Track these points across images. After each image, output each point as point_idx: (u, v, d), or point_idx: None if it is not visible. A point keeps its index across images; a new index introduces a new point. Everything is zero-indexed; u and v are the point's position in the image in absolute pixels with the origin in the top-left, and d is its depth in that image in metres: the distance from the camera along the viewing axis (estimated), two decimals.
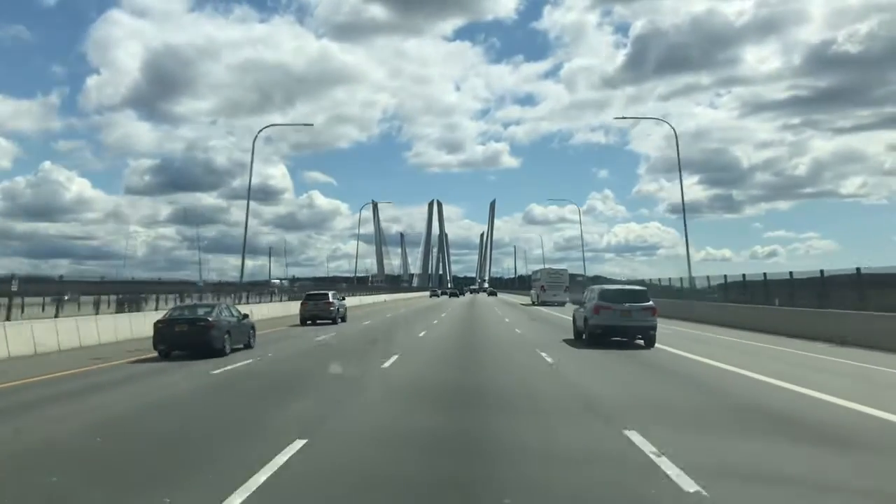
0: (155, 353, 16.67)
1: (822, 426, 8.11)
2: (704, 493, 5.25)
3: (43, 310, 22.50)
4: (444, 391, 10.93)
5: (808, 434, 7.63)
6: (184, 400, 10.66)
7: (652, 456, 6.33)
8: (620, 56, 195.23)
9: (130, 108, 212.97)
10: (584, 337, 19.02)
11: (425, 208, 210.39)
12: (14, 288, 19.34)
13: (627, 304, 17.77)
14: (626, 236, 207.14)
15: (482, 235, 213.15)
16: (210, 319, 16.90)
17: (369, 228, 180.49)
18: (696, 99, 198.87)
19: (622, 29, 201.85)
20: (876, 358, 15.38)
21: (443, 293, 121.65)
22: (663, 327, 19.42)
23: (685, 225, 60.68)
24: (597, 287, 20.04)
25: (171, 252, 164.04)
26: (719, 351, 17.07)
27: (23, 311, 19.76)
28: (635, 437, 7.07)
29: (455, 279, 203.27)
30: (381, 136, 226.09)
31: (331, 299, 31.08)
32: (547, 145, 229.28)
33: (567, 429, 7.87)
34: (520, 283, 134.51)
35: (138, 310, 25.08)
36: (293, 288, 52.59)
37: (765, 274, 27.48)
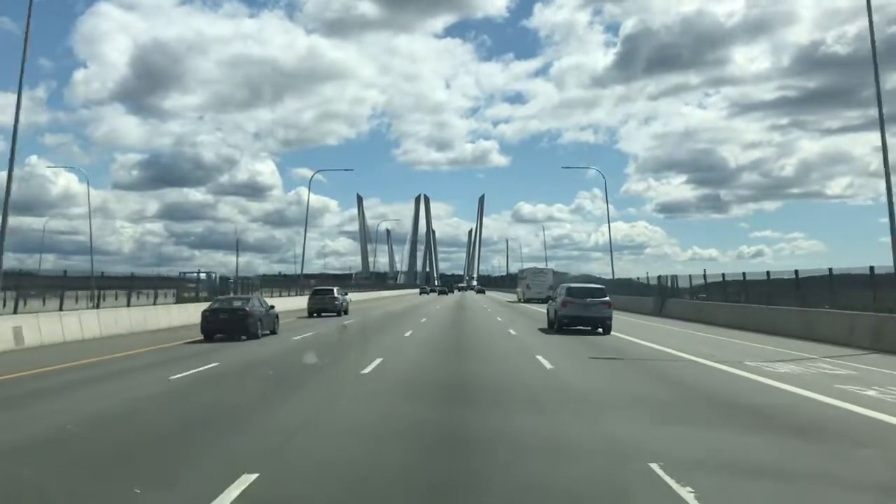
0: (201, 337, 20.40)
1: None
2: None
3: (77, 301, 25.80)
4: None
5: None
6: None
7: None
8: (610, 55, 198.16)
9: (118, 103, 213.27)
10: (554, 326, 22.95)
11: (413, 205, 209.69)
12: None
13: (588, 299, 21.75)
14: (613, 235, 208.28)
15: (470, 232, 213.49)
16: (247, 309, 20.66)
17: (371, 225, 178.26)
18: (685, 99, 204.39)
19: (612, 28, 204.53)
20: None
21: (431, 291, 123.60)
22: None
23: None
24: (564, 285, 24.12)
25: (157, 248, 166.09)
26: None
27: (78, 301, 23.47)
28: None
29: (443, 277, 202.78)
30: (370, 133, 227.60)
31: (336, 294, 34.91)
32: (536, 144, 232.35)
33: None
34: (509, 281, 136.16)
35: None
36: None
37: (744, 274, 28.00)
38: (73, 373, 13.08)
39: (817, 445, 7.03)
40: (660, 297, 35.55)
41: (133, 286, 26.68)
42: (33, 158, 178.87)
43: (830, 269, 21.78)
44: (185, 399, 10.04)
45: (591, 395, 10.01)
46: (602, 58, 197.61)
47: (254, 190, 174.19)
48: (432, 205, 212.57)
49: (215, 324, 20.39)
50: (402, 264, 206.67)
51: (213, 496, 4.97)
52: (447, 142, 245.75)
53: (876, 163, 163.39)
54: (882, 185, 19.16)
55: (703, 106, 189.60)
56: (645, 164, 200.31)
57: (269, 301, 24.32)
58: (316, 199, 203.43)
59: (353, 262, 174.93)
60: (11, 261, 41.72)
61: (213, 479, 5.39)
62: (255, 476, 5.45)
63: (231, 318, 20.40)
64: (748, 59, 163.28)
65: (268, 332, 21.82)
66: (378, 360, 13.76)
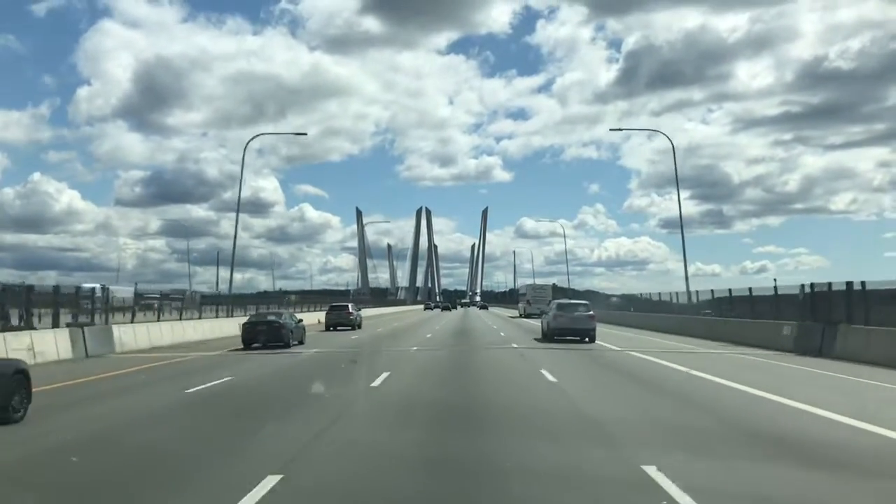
0: (241, 346, 23.68)
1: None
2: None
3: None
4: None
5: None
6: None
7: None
8: (613, 71, 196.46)
9: (121, 119, 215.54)
10: (547, 336, 26.25)
11: (414, 218, 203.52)
12: None
13: (575, 313, 25.10)
14: (616, 251, 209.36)
15: (473, 246, 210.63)
16: (281, 322, 23.99)
17: (374, 241, 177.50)
18: (688, 114, 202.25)
19: (615, 44, 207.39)
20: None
21: (436, 306, 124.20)
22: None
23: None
24: (555, 301, 27.56)
25: (160, 264, 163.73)
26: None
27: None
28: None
29: (445, 292, 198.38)
30: (373, 149, 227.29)
31: (350, 310, 38.28)
32: (539, 159, 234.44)
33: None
34: (511, 297, 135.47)
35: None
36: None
37: (750, 289, 27.18)
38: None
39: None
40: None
41: None
42: (36, 175, 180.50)
43: (811, 285, 21.59)
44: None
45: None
46: (605, 74, 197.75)
47: (256, 206, 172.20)
48: (435, 220, 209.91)
49: (253, 334, 23.67)
50: (403, 279, 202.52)
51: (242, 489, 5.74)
52: (450, 157, 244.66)
53: (879, 178, 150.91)
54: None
55: (706, 121, 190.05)
56: (648, 180, 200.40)
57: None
58: (318, 216, 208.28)
59: (355, 279, 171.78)
60: (14, 278, 44.24)
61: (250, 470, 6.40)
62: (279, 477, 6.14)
63: (267, 329, 23.69)
64: (751, 74, 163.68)
65: (296, 342, 25.05)
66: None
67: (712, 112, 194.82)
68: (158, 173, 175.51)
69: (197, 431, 9.03)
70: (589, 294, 74.76)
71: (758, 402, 11.23)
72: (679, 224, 39.35)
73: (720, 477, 6.41)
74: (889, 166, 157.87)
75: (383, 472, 6.65)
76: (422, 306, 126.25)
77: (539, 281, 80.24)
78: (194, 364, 18.40)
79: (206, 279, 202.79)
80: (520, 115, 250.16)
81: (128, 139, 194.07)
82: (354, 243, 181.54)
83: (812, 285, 21.60)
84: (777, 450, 7.66)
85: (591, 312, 25.16)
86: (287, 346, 23.58)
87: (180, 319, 29.24)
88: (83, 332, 20.16)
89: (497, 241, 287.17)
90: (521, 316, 68.96)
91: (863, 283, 19.04)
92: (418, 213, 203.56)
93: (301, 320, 26.44)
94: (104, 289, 23.95)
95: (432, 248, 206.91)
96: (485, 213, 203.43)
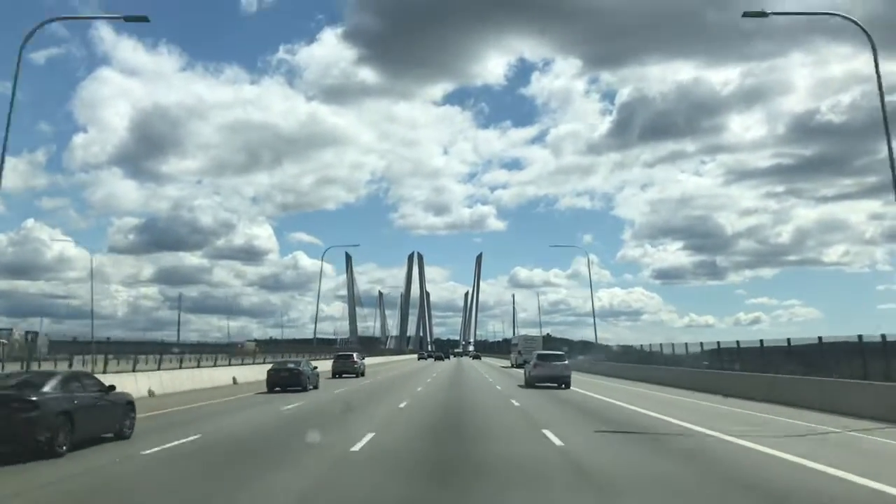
0: (265, 389, 27.59)
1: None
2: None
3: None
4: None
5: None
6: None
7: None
8: (607, 122, 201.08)
9: (116, 167, 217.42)
10: (528, 383, 30.30)
11: (406, 263, 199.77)
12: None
13: (552, 362, 29.27)
14: (610, 301, 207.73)
15: (467, 294, 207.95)
16: (300, 369, 28.01)
17: (367, 290, 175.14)
18: (681, 166, 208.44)
19: (609, 96, 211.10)
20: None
21: (429, 356, 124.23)
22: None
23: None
24: (535, 352, 31.82)
25: (151, 312, 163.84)
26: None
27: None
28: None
29: (438, 342, 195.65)
30: (368, 198, 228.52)
31: (355, 359, 42.28)
32: (533, 209, 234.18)
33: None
34: (505, 347, 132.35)
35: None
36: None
37: (738, 341, 28.18)
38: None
39: None
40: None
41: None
42: (30, 222, 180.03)
43: (788, 340, 23.75)
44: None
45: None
46: (598, 125, 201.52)
47: (250, 254, 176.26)
48: (428, 269, 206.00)
49: (276, 379, 27.63)
50: (394, 328, 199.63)
51: None
52: (444, 206, 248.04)
53: (871, 230, 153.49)
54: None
55: (699, 173, 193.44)
56: (641, 231, 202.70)
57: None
58: (311, 263, 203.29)
59: (346, 327, 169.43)
60: (5, 324, 46.67)
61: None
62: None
63: (288, 375, 27.69)
64: (744, 127, 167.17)
65: (312, 386, 28.96)
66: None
67: (705, 164, 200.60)
68: (152, 220, 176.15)
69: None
70: (584, 345, 76.70)
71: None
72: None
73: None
74: (881, 219, 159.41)
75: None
76: (415, 356, 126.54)
77: (532, 331, 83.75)
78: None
79: (198, 327, 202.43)
80: (514, 165, 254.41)
81: (122, 186, 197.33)
82: (346, 291, 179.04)
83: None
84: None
85: (567, 363, 29.36)
86: (304, 389, 27.50)
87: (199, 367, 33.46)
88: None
89: (491, 290, 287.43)
90: (512, 366, 72.44)
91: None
92: (410, 258, 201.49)
93: (316, 367, 30.45)
94: None
95: (424, 294, 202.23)
96: (479, 258, 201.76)
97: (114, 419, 13.01)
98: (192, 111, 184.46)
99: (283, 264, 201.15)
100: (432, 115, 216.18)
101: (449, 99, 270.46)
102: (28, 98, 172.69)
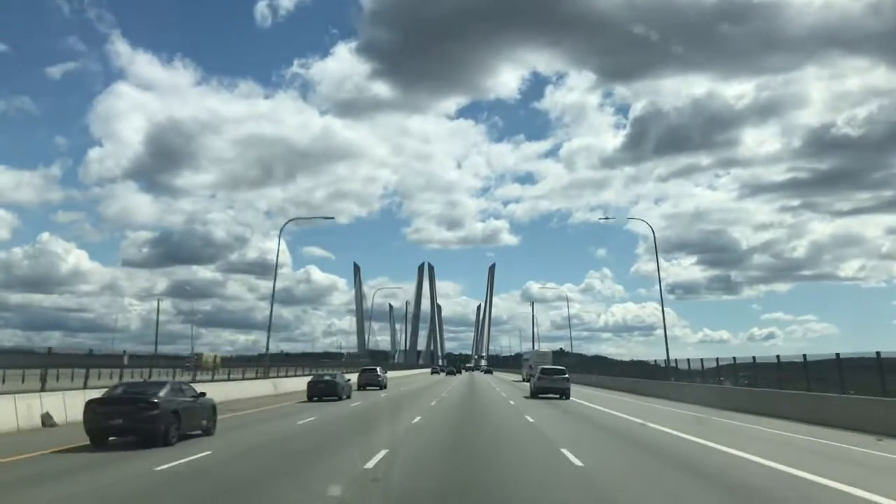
0: (305, 399, 31.80)
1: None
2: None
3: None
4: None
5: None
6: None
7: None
8: (620, 136, 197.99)
9: (131, 180, 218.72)
10: (532, 394, 34.51)
11: (416, 274, 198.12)
12: (125, 361, 30.72)
13: (554, 376, 33.49)
14: (623, 316, 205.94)
15: (479, 307, 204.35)
16: (336, 380, 32.35)
17: (380, 304, 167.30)
18: (696, 180, 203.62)
19: (623, 110, 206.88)
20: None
21: (442, 370, 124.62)
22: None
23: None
24: (539, 366, 36.04)
25: (164, 325, 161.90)
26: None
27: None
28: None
29: (449, 356, 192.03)
30: (381, 212, 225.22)
31: (379, 373, 46.55)
32: (546, 223, 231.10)
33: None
34: (516, 362, 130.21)
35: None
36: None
37: (754, 357, 28.16)
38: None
39: None
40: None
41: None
42: (45, 235, 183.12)
43: (778, 356, 25.19)
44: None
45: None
46: (612, 139, 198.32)
47: (263, 268, 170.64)
48: (440, 283, 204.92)
49: (315, 390, 31.84)
50: (404, 342, 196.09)
51: None
52: (457, 220, 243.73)
53: (888, 245, 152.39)
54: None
55: (713, 187, 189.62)
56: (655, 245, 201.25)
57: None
58: (324, 277, 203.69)
59: (349, 342, 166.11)
60: (20, 338, 50.08)
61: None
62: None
63: (326, 386, 31.95)
64: (759, 140, 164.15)
65: (346, 396, 33.11)
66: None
67: (720, 177, 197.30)
68: (166, 234, 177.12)
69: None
70: (597, 360, 78.85)
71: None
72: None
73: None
74: None
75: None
76: (427, 370, 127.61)
77: (546, 346, 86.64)
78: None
79: (209, 341, 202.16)
80: (527, 179, 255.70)
81: (136, 200, 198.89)
82: (366, 305, 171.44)
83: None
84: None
85: (566, 377, 33.55)
86: (339, 398, 31.71)
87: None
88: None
89: (503, 304, 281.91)
90: (523, 380, 75.75)
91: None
92: (420, 269, 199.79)
93: (349, 379, 34.81)
94: None
95: (435, 307, 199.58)
96: (492, 269, 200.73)
97: (203, 419, 16.61)
98: (207, 125, 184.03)
99: (295, 278, 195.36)
100: (445, 129, 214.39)
101: (462, 113, 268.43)
102: (45, 112, 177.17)
